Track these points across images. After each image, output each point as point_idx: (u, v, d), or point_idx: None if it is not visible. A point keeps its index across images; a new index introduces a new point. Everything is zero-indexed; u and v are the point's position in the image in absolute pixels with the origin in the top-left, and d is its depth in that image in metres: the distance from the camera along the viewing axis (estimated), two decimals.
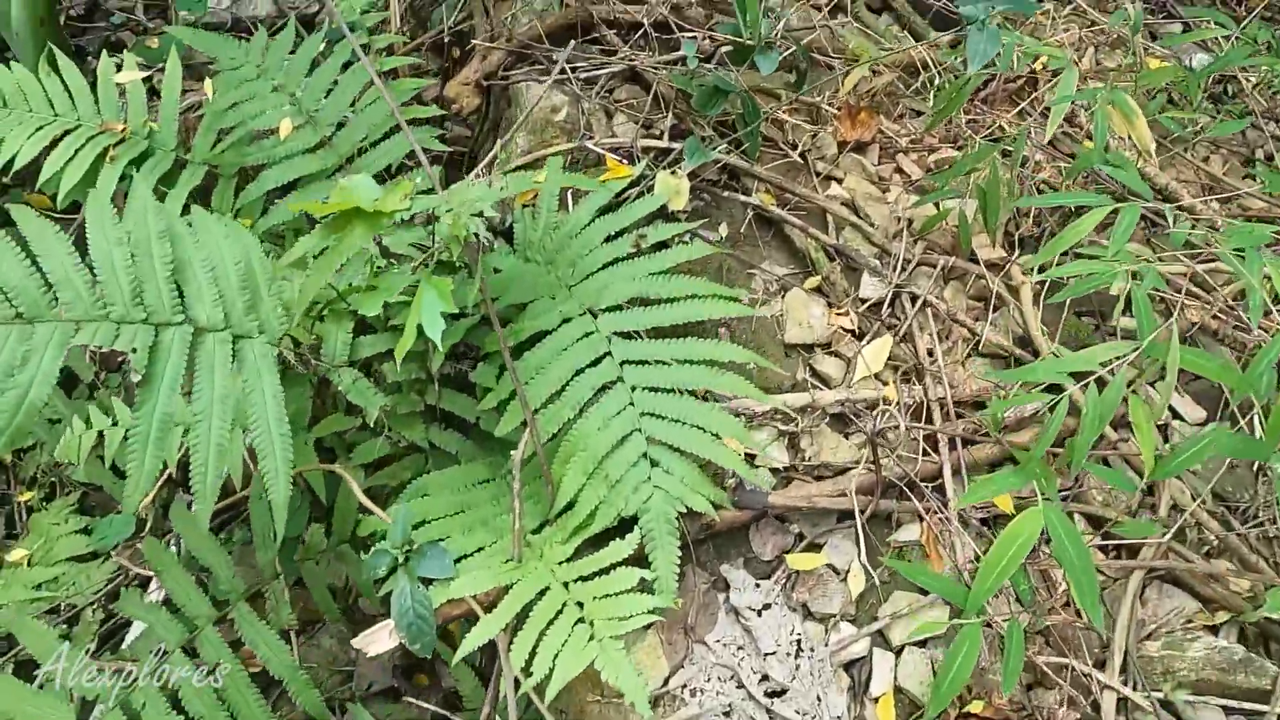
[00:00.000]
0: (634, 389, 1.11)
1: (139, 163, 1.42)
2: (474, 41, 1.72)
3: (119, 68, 1.49)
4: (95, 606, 1.32)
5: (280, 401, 0.96)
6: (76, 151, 1.36)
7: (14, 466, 1.56)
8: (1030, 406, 1.25)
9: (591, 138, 1.50)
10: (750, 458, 1.20)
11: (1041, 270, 1.31)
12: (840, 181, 1.56)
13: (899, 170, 1.61)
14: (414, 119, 1.55)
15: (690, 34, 1.63)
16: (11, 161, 1.35)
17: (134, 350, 0.89)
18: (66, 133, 1.38)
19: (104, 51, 1.51)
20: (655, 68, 1.58)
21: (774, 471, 1.22)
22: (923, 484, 1.20)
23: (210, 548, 1.14)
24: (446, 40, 1.80)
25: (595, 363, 1.14)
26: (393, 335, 1.21)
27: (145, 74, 1.50)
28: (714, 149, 1.46)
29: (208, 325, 0.97)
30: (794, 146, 1.58)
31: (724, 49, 1.61)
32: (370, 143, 1.50)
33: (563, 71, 1.58)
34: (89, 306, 0.90)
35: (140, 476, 0.87)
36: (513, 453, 1.06)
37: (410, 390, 1.26)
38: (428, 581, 1.04)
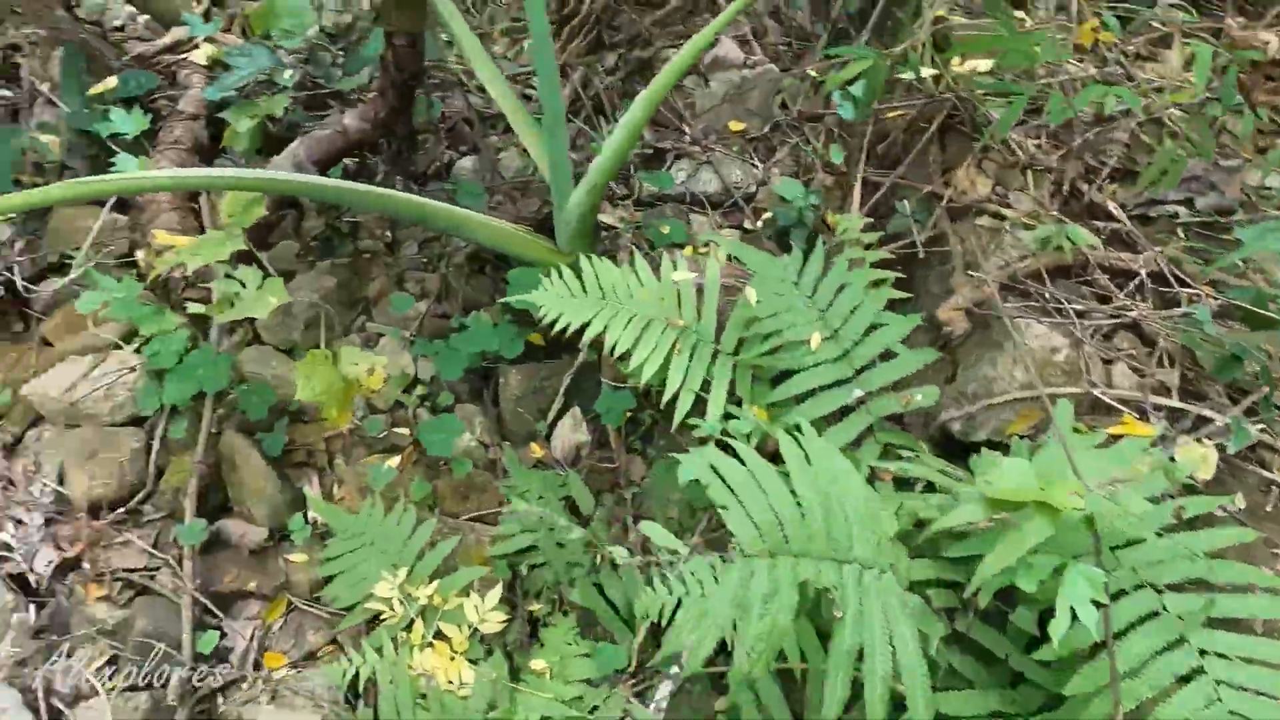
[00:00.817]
0: (1218, 684, 1.15)
1: (693, 354, 1.69)
2: (952, 264, 1.89)
3: (675, 265, 1.80)
4: None
5: (919, 639, 1.11)
6: (656, 344, 1.65)
7: (523, 579, 1.85)
8: None
9: (1096, 385, 1.59)
10: None
11: None
12: None
13: None
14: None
15: (1192, 290, 1.69)
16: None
17: (835, 587, 1.07)
18: (647, 325, 1.68)
19: (664, 253, 1.82)
20: (1157, 321, 1.65)
21: None
22: None
23: None
24: (921, 256, 1.98)
25: (1172, 646, 1.19)
26: (945, 564, 1.33)
27: (694, 274, 1.79)
28: (1247, 426, 1.49)
29: (864, 560, 1.14)
30: None
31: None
32: (879, 357, 1.69)
33: (1060, 312, 1.69)
34: (802, 544, 1.09)
35: (833, 700, 1.03)
36: None
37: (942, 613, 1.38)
38: None
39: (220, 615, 1.85)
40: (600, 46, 2.92)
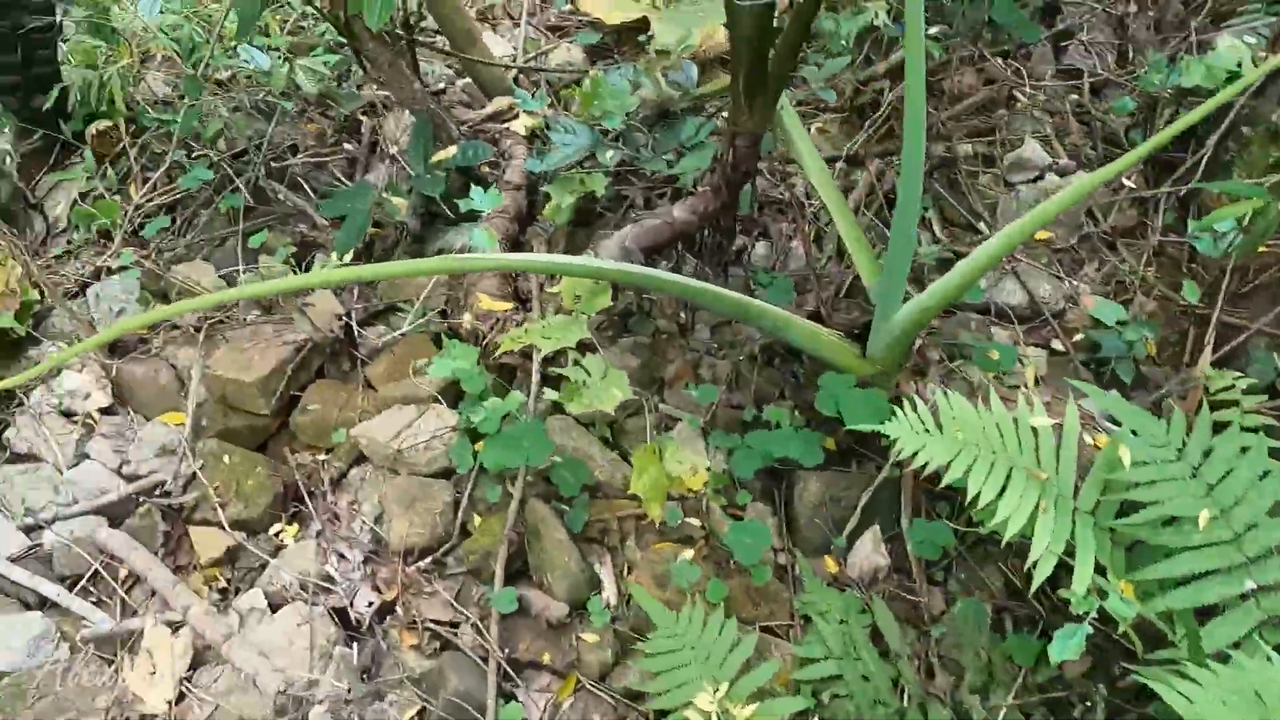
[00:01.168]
0: None
1: (1056, 512, 1.58)
2: None
3: (1032, 407, 1.70)
4: None
5: None
6: (1022, 496, 1.55)
7: (823, 706, 1.79)
8: None
9: None
10: None
11: None
12: None
13: None
14: None
15: None
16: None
17: None
18: (1009, 474, 1.58)
19: (1026, 400, 1.72)
20: None
21: None
22: None
23: None
24: None
25: None
26: None
27: (1055, 421, 1.68)
28: None
29: None
30: None
31: None
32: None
33: None
34: None
35: None
36: None
37: None
38: None
39: (518, 682, 1.91)
40: (893, 136, 2.87)
